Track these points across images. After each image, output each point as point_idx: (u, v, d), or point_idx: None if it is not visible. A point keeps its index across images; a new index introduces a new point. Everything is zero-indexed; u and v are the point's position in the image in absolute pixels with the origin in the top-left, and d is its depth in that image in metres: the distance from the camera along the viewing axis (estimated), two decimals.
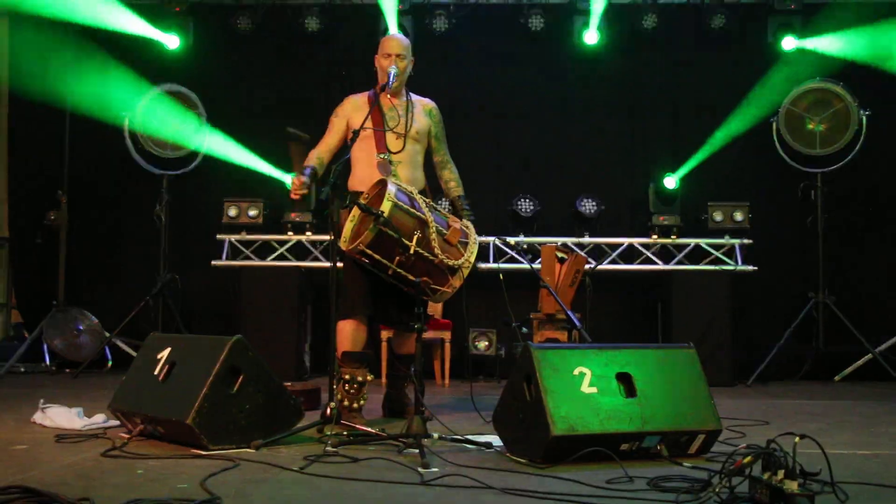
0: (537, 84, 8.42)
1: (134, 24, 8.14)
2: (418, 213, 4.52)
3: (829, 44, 7.88)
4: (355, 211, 4.53)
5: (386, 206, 4.37)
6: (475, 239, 4.76)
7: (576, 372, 3.74)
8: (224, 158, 8.07)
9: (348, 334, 4.77)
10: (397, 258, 4.46)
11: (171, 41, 8.24)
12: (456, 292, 4.68)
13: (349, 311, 4.78)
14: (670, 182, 7.90)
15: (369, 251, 4.45)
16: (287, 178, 7.64)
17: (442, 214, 4.75)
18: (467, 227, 4.80)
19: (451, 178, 5.30)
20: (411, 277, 4.45)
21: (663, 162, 8.04)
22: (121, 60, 8.05)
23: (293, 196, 4.90)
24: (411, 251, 4.44)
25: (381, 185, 4.60)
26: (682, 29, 8.41)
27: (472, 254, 4.67)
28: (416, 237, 4.45)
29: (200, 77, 8.25)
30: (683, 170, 7.95)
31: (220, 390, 3.96)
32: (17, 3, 7.95)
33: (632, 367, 3.84)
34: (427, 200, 4.69)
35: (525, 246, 7.77)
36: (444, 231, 4.62)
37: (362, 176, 4.98)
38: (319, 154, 5.06)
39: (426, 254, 4.49)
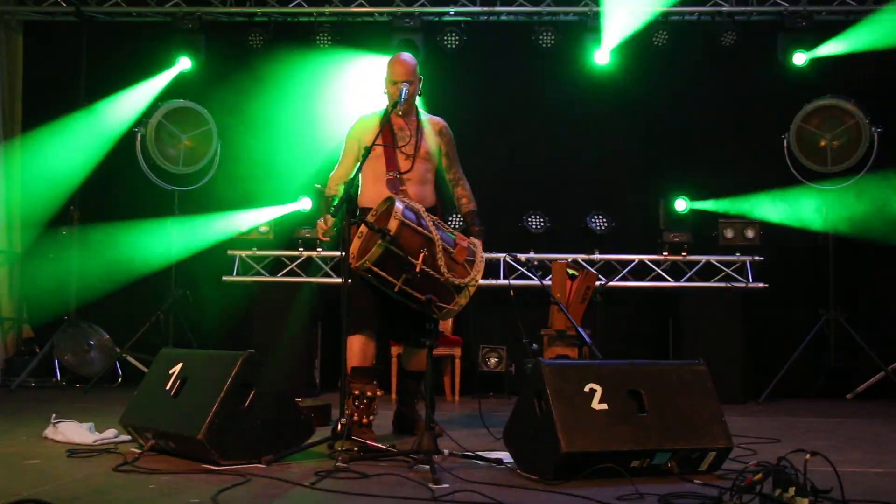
0: (548, 101, 8.42)
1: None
2: (425, 232, 4.50)
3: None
4: (363, 227, 4.55)
5: (393, 225, 4.36)
6: (482, 257, 4.74)
7: (586, 388, 3.74)
8: (235, 174, 8.11)
9: (357, 350, 4.77)
10: (403, 276, 4.44)
11: (184, 58, 8.30)
12: (464, 309, 4.68)
13: (358, 327, 4.77)
14: (680, 200, 7.91)
15: (375, 268, 4.44)
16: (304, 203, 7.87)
17: (449, 232, 4.73)
18: (474, 245, 4.78)
19: (463, 194, 5.29)
20: (417, 295, 4.45)
21: (674, 178, 8.04)
22: (133, 77, 8.14)
23: (321, 238, 5.00)
24: (417, 269, 4.43)
25: (390, 203, 4.59)
26: (693, 46, 8.41)
27: (478, 272, 4.66)
28: (422, 255, 4.44)
29: (212, 93, 8.28)
30: (694, 186, 7.94)
31: (231, 406, 3.97)
32: None
33: (642, 383, 3.84)
34: (434, 218, 4.69)
35: (535, 262, 7.77)
36: (451, 249, 4.59)
37: (371, 193, 4.98)
38: (340, 179, 5.11)
39: (432, 272, 4.48)
